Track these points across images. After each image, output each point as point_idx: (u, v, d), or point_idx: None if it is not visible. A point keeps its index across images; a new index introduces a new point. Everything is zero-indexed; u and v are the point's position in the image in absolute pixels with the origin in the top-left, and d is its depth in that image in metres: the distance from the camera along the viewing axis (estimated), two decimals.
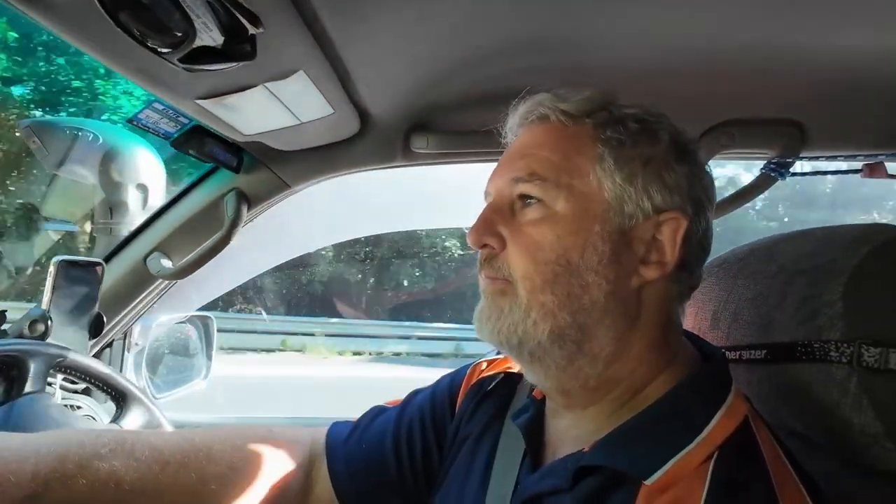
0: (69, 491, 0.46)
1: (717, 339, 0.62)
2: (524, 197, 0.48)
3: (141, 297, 0.99)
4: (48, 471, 0.46)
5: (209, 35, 0.42)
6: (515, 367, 0.61)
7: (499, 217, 0.49)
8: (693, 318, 0.67)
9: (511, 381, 0.60)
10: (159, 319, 1.13)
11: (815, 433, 0.50)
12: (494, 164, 0.53)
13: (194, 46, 0.39)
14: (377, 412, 0.65)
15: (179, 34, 0.37)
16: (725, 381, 0.47)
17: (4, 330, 0.86)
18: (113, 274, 0.97)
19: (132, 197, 1.02)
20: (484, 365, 0.65)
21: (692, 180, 0.48)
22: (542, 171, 0.48)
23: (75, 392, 0.94)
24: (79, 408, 0.92)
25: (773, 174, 0.89)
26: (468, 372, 0.64)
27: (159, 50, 0.38)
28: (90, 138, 1.02)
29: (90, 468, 0.48)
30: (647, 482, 0.40)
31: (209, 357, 1.24)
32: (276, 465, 0.58)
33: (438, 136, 0.89)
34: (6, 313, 0.87)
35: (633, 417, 0.46)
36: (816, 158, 0.91)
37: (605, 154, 0.47)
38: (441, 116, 0.88)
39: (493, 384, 0.61)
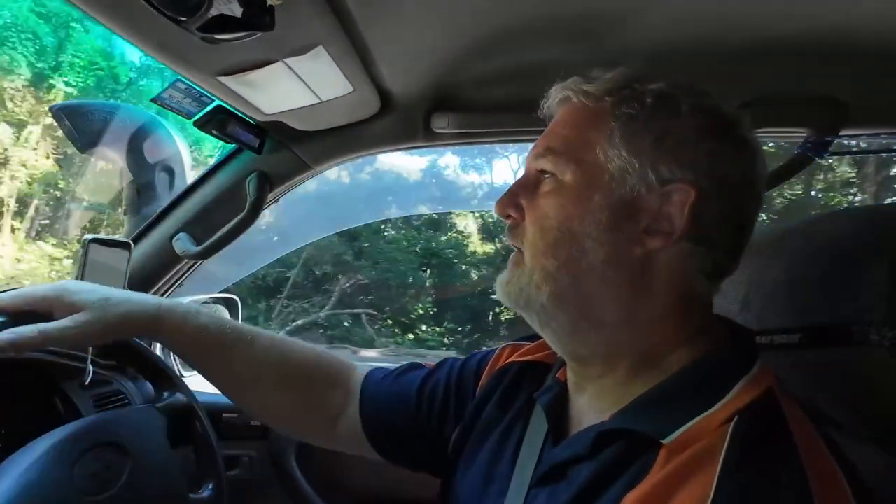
0: (178, 326, 0.63)
1: (747, 322, 0.59)
2: (542, 172, 0.52)
3: (168, 277, 1.02)
4: (166, 308, 0.64)
5: (227, 5, 0.42)
6: (545, 355, 0.63)
7: (522, 190, 0.53)
8: (722, 300, 0.65)
9: (541, 369, 0.62)
10: (186, 299, 1.15)
11: (852, 419, 0.48)
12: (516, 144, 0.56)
13: (212, 15, 0.39)
14: (411, 366, 0.71)
15: (197, 2, 0.37)
16: (751, 355, 0.48)
17: None
18: (141, 254, 0.99)
19: (158, 178, 1.04)
20: (508, 351, 0.67)
21: (717, 155, 0.48)
22: (556, 146, 0.51)
23: (106, 369, 0.96)
24: (108, 383, 0.95)
25: (810, 153, 0.85)
26: (495, 354, 0.67)
27: (178, 18, 0.37)
28: (117, 120, 1.03)
29: (195, 317, 0.65)
30: (666, 441, 0.42)
31: None
32: (322, 382, 0.70)
33: (460, 115, 0.87)
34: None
35: (654, 387, 0.47)
36: (857, 136, 0.87)
37: (615, 128, 0.49)
38: (463, 95, 0.86)
39: (524, 372, 0.63)
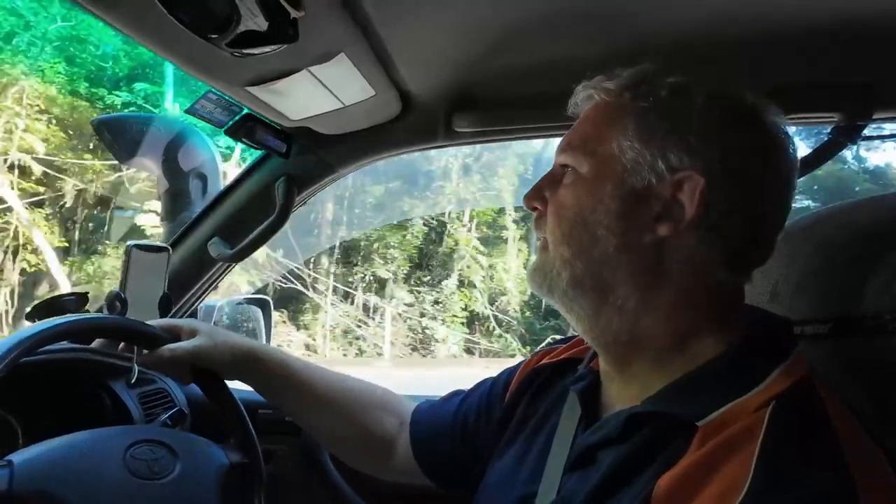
0: (267, 360, 0.76)
1: (778, 313, 0.59)
2: (564, 166, 0.55)
3: (204, 279, 1.06)
4: (258, 344, 0.80)
5: (254, 20, 0.44)
6: (577, 351, 0.65)
7: (547, 184, 0.56)
8: (751, 291, 0.64)
9: (574, 364, 0.63)
10: (220, 301, 1.20)
11: (885, 409, 0.47)
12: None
13: (240, 31, 0.41)
14: (454, 394, 0.76)
15: (225, 19, 0.40)
16: (788, 344, 0.48)
17: (87, 310, 0.95)
18: (179, 257, 1.04)
19: (193, 185, 1.08)
20: (539, 355, 0.70)
21: (732, 144, 0.48)
22: (576, 142, 0.54)
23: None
24: (153, 381, 1.00)
25: (840, 139, 0.83)
26: (525, 361, 0.71)
27: (208, 36, 0.40)
28: (154, 130, 1.09)
29: (279, 354, 0.78)
30: (701, 423, 0.43)
31: (268, 337, 1.31)
32: (380, 409, 0.77)
33: (480, 113, 0.88)
34: (88, 295, 0.95)
35: (686, 374, 0.48)
36: (892, 121, 0.84)
37: (630, 121, 0.51)
38: (482, 94, 0.87)
39: (556, 370, 0.66)
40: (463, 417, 0.71)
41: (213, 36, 0.40)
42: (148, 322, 0.74)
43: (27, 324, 0.79)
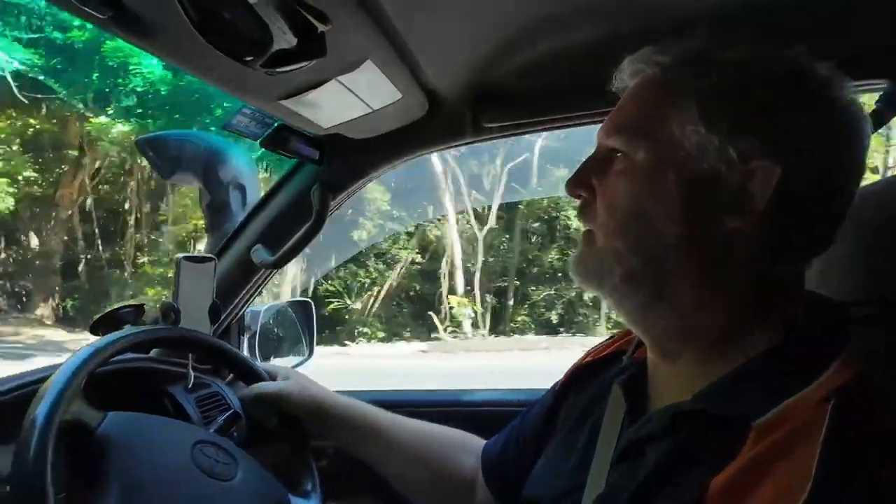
0: (343, 411, 0.81)
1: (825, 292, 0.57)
2: (614, 150, 0.50)
3: (248, 286, 1.10)
4: (334, 396, 0.84)
5: (284, 39, 0.45)
6: (620, 345, 0.64)
7: (593, 169, 0.51)
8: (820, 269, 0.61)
9: (618, 357, 0.62)
10: (265, 305, 1.25)
11: None
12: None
13: (272, 52, 0.43)
14: (520, 416, 0.75)
15: (258, 42, 0.41)
16: (842, 333, 0.46)
17: (143, 321, 1.00)
18: (223, 266, 1.08)
19: (233, 196, 1.13)
20: (584, 356, 0.69)
21: (805, 125, 0.45)
22: (627, 123, 0.49)
23: (204, 373, 1.07)
24: (208, 386, 1.05)
25: (891, 107, 0.78)
26: (575, 363, 0.69)
27: (243, 59, 0.42)
28: (193, 146, 1.13)
29: (356, 403, 0.83)
30: (756, 422, 0.41)
31: (312, 338, 1.35)
32: (458, 449, 0.79)
33: (508, 107, 0.88)
34: (144, 307, 1.01)
35: (738, 367, 0.45)
36: None
37: (692, 102, 0.46)
38: (509, 87, 0.87)
39: (600, 365, 0.64)
40: (523, 439, 0.70)
41: (248, 59, 0.41)
42: (258, 364, 0.88)
43: (91, 338, 0.85)
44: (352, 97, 0.73)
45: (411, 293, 11.91)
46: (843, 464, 0.37)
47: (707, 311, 0.47)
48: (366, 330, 11.01)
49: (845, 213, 0.48)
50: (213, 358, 0.92)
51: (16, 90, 7.90)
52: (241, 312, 1.18)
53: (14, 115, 9.11)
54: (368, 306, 11.42)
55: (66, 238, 10.88)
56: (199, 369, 1.06)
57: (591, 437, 0.55)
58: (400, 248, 11.85)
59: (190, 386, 0.97)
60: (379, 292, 11.46)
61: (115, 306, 0.99)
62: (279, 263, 1.04)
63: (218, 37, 0.39)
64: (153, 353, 0.99)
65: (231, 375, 0.96)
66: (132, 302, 0.99)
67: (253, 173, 1.15)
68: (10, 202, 9.22)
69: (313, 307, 1.37)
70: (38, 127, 9.43)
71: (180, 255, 0.96)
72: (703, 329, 0.48)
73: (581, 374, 0.66)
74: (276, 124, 0.85)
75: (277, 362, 1.31)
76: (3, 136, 9.30)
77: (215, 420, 0.96)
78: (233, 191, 1.13)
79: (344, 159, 0.98)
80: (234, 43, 0.41)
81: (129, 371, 0.92)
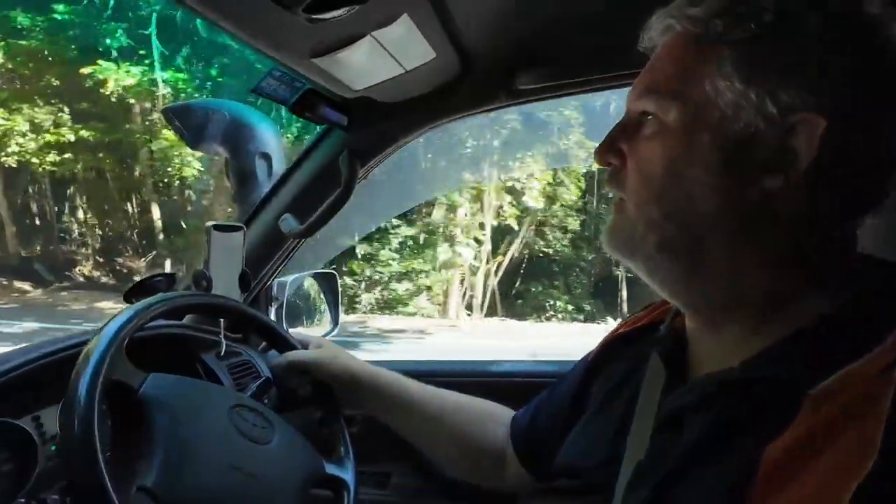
0: (376, 381, 0.81)
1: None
2: (644, 113, 0.48)
3: (277, 255, 1.10)
4: (367, 366, 0.83)
5: None
6: (657, 314, 0.62)
7: (623, 135, 0.49)
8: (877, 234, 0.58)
9: (654, 328, 0.59)
10: (291, 277, 1.25)
11: None
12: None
13: None
14: (550, 388, 0.74)
15: None
16: None
17: (176, 289, 1.01)
18: (253, 235, 1.08)
19: (259, 166, 1.12)
20: (617, 326, 0.68)
21: (855, 74, 0.41)
22: (658, 84, 0.47)
23: (235, 342, 1.08)
24: (239, 353, 1.06)
25: None
26: (608, 334, 0.68)
27: (284, 3, 0.40)
28: (219, 115, 1.12)
29: (387, 375, 0.82)
30: (811, 391, 0.39)
31: (336, 309, 1.36)
32: (488, 419, 0.78)
33: (544, 69, 0.85)
34: (175, 275, 1.01)
35: (790, 335, 0.43)
36: None
37: (727, 56, 0.43)
38: (545, 48, 0.84)
39: (634, 336, 0.62)
40: (554, 410, 0.69)
41: (291, 2, 0.39)
42: (290, 332, 0.88)
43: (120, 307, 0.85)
44: (384, 56, 0.71)
45: None
46: None
47: (751, 278, 0.45)
48: None
49: None
50: (247, 326, 0.92)
51: None
52: (269, 282, 1.18)
53: None
54: None
55: None
56: (230, 338, 1.07)
57: (628, 407, 0.54)
58: None
59: (222, 353, 0.99)
60: None
61: (148, 275, 1.00)
62: (308, 232, 1.04)
63: None
64: (186, 320, 1.00)
65: (264, 343, 0.96)
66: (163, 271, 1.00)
67: (278, 142, 1.14)
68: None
69: (338, 279, 1.37)
70: None
71: (210, 223, 0.96)
72: (747, 297, 0.46)
73: (615, 345, 0.64)
74: (305, 88, 0.83)
75: (305, 332, 1.32)
76: None
77: (248, 387, 0.97)
78: (259, 160, 1.12)
79: (373, 125, 0.95)
80: None
81: (163, 337, 0.92)
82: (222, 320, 0.92)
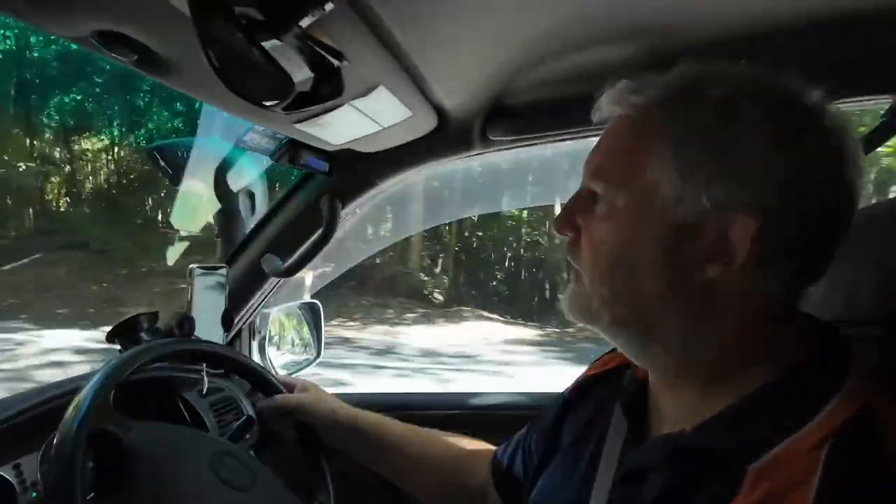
0: (361, 423, 0.82)
1: (832, 313, 0.57)
2: (594, 193, 0.49)
3: (258, 294, 1.12)
4: (353, 410, 0.85)
5: (302, 80, 0.47)
6: (623, 358, 0.64)
7: (578, 208, 0.51)
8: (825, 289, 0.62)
9: (619, 372, 0.62)
10: (274, 309, 1.27)
11: None
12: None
13: (294, 96, 0.44)
14: (524, 428, 0.76)
15: (280, 90, 0.43)
16: (844, 364, 0.45)
17: (158, 327, 1.02)
18: (234, 274, 1.10)
19: (242, 204, 1.14)
20: (589, 368, 0.70)
21: (791, 165, 0.43)
22: (606, 168, 0.49)
23: (216, 377, 1.09)
24: (220, 390, 1.07)
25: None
26: (581, 374, 0.70)
27: (265, 105, 0.43)
28: (203, 154, 1.14)
29: (370, 417, 0.84)
30: (752, 465, 0.41)
31: (319, 339, 1.38)
32: (474, 471, 0.79)
33: (515, 121, 0.89)
34: (158, 314, 1.03)
35: (737, 402, 0.46)
36: None
37: (666, 147, 0.45)
38: (517, 101, 0.88)
39: (602, 379, 0.65)
40: (530, 449, 0.71)
41: (270, 104, 0.43)
42: (273, 375, 0.91)
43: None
44: (362, 118, 0.74)
45: None
46: None
47: (697, 351, 0.47)
48: None
49: (840, 242, 0.46)
50: (233, 370, 0.94)
51: None
52: (252, 317, 1.20)
53: None
54: None
55: None
56: (211, 374, 1.08)
57: (594, 454, 0.57)
58: None
59: (205, 392, 1.00)
60: None
61: (132, 314, 1.01)
62: (290, 272, 1.06)
63: (240, 84, 0.41)
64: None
65: (250, 387, 0.98)
66: (145, 309, 1.01)
67: (261, 181, 1.17)
68: None
69: (321, 308, 1.39)
70: None
71: (193, 265, 0.98)
72: (696, 365, 0.48)
73: (586, 386, 0.67)
74: (286, 140, 0.86)
75: (286, 361, 1.34)
76: None
77: (230, 425, 0.99)
78: (242, 199, 1.15)
79: (353, 171, 0.99)
80: (256, 90, 0.42)
81: (145, 379, 0.94)
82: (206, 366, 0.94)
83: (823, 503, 0.37)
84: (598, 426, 0.59)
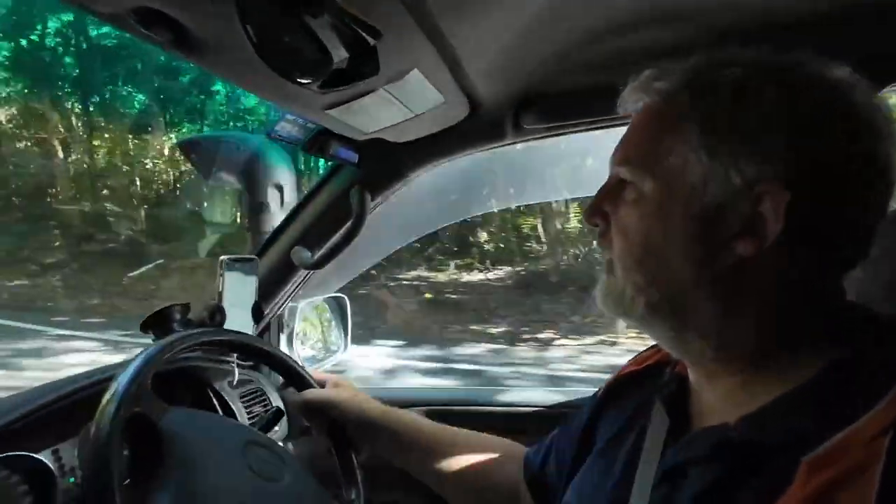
0: (391, 421, 0.81)
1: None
2: (622, 180, 0.50)
3: (288, 286, 1.13)
4: (383, 407, 0.83)
5: (338, 56, 0.45)
6: (662, 355, 0.62)
7: (607, 197, 0.51)
8: (862, 285, 0.59)
9: (659, 369, 0.61)
10: (302, 303, 1.27)
11: None
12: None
13: (330, 72, 0.43)
14: (556, 429, 0.74)
15: (316, 64, 0.41)
16: None
17: (190, 319, 1.03)
18: (264, 267, 1.10)
19: (272, 197, 1.14)
20: (625, 365, 0.68)
21: (817, 140, 0.43)
22: (632, 155, 0.49)
23: (246, 369, 1.10)
24: (250, 381, 1.08)
25: None
26: (616, 373, 0.69)
27: (300, 81, 0.42)
28: (233, 148, 1.15)
29: (402, 415, 0.83)
30: (806, 457, 0.39)
31: (346, 332, 1.38)
32: (506, 470, 0.77)
33: (549, 109, 0.87)
34: (190, 305, 1.04)
35: (786, 393, 0.44)
36: None
37: (692, 129, 0.45)
38: (551, 89, 0.86)
39: (640, 376, 0.63)
40: (563, 450, 0.69)
41: (306, 81, 0.42)
42: (307, 369, 0.88)
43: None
44: (395, 103, 0.73)
45: None
46: None
47: (733, 336, 0.47)
48: None
49: (879, 219, 0.45)
50: (266, 363, 0.94)
51: None
52: (281, 310, 1.20)
53: None
54: None
55: None
56: (242, 366, 1.09)
57: (633, 452, 0.55)
58: None
59: (235, 383, 1.01)
60: None
61: (166, 305, 1.02)
62: (319, 264, 1.06)
63: (277, 60, 0.39)
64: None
65: (282, 381, 0.98)
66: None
67: (291, 174, 1.17)
68: None
69: (348, 302, 1.39)
70: None
71: (224, 256, 0.98)
72: (734, 353, 0.47)
73: (622, 385, 0.65)
74: (317, 129, 0.85)
75: (314, 355, 1.34)
76: None
77: (259, 415, 0.99)
78: (272, 191, 1.15)
79: (383, 162, 0.98)
80: (293, 65, 0.41)
81: (178, 368, 0.95)
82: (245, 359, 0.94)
83: (888, 493, 0.36)
84: (637, 424, 0.57)
